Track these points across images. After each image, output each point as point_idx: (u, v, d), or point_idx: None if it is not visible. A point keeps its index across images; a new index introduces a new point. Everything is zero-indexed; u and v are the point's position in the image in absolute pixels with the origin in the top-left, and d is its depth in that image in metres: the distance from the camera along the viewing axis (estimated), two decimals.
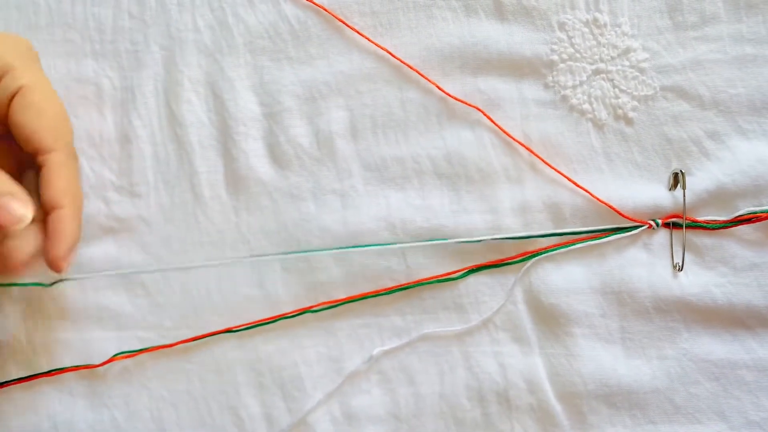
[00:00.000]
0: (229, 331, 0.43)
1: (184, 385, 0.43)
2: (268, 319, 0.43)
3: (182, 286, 0.44)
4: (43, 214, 0.39)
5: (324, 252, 0.44)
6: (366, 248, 0.43)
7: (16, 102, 0.38)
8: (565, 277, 0.43)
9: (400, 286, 0.43)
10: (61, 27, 0.46)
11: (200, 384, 0.43)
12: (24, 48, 0.41)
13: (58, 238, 0.38)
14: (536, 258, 0.43)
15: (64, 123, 0.40)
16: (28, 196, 0.37)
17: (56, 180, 0.39)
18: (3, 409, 0.44)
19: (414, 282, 0.43)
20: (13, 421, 0.43)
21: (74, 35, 0.46)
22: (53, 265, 0.38)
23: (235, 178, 0.45)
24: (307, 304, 0.43)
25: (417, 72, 0.44)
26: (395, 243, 0.44)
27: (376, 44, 0.45)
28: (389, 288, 0.43)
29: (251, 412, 0.43)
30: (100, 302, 0.44)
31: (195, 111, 0.45)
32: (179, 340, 0.43)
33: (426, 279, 0.43)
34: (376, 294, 0.43)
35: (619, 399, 0.42)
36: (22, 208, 0.36)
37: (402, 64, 0.44)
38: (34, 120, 0.39)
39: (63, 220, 0.38)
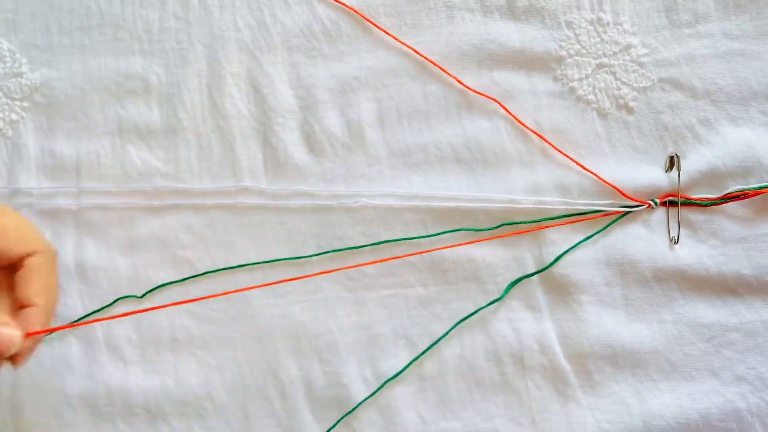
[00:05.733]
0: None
1: (229, 352, 0.46)
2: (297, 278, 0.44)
3: (226, 262, 0.47)
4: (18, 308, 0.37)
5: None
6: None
7: None
8: (573, 251, 0.45)
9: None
10: (112, 27, 0.49)
11: (243, 351, 0.46)
12: None
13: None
14: (552, 263, 0.45)
15: (27, 230, 0.38)
16: (17, 325, 0.36)
17: (29, 281, 0.37)
18: (64, 376, 0.46)
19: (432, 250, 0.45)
20: (72, 389, 0.46)
21: (124, 35, 0.49)
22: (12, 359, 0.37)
23: (274, 165, 0.48)
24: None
25: (438, 67, 0.47)
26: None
27: (401, 42, 0.48)
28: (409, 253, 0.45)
29: (290, 375, 0.46)
30: (151, 278, 0.47)
31: (236, 104, 0.48)
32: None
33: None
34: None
35: (622, 359, 0.45)
36: (13, 336, 0.36)
37: (424, 59, 0.48)
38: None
39: (31, 318, 0.37)
